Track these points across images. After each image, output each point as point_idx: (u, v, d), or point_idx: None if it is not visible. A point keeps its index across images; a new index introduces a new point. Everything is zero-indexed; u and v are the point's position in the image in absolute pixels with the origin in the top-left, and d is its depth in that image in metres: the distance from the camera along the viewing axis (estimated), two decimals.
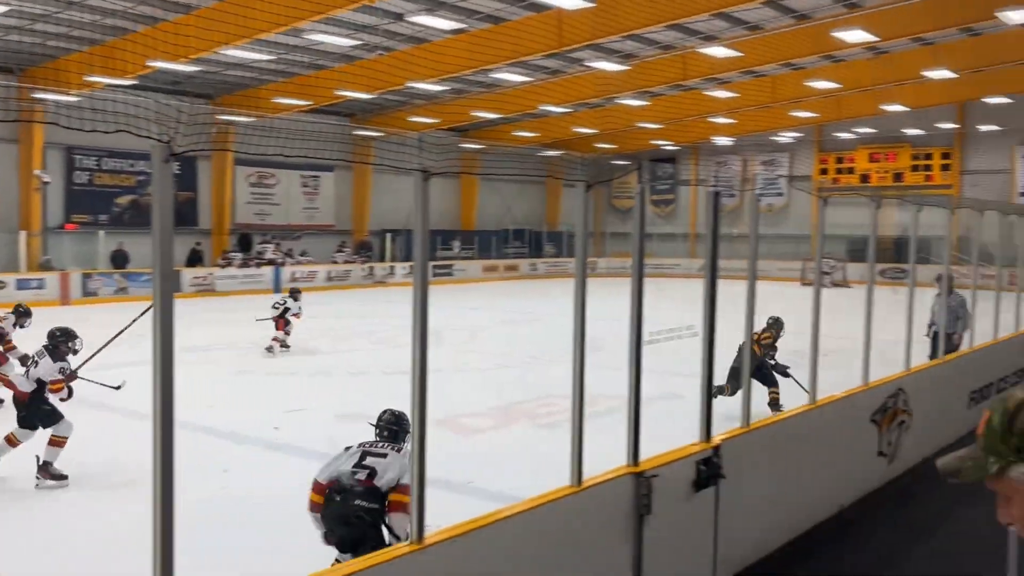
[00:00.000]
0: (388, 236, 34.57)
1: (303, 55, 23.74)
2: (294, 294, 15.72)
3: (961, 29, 22.42)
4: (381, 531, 4.73)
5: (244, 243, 30.89)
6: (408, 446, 4.81)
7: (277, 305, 15.44)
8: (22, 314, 11.44)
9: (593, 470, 4.74)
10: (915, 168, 35.40)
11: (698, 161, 40.77)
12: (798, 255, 35.05)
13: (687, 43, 23.26)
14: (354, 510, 4.70)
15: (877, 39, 20.65)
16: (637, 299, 4.86)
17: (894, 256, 30.45)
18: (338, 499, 4.78)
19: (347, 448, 5.05)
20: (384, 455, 4.92)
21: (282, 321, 15.24)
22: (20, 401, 7.88)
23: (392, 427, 5.19)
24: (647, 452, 4.99)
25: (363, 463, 4.88)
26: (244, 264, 29.28)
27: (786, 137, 37.34)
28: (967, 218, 11.64)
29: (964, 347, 10.89)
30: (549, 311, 21.60)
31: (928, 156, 35.13)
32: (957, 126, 33.85)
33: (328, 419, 10.41)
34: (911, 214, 8.60)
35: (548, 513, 4.33)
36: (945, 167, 34.77)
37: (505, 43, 19.86)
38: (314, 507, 4.83)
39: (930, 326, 11.37)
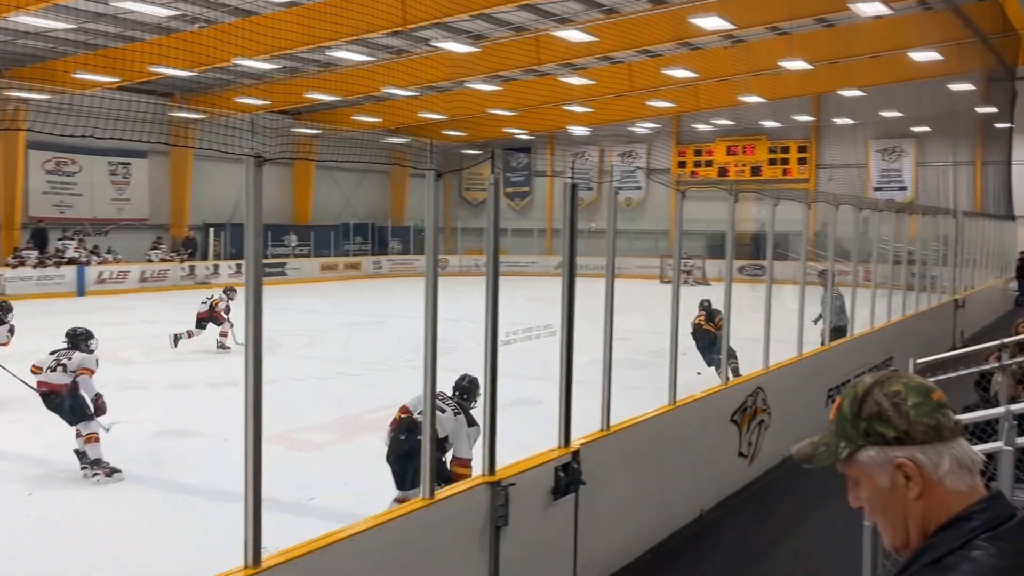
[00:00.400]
0: (211, 231, 33.43)
1: (110, 25, 22.61)
2: (228, 292, 16.64)
3: (816, 20, 23.97)
4: (445, 464, 6.14)
5: (39, 239, 29.06)
6: (465, 411, 6.28)
7: (205, 300, 16.42)
8: (6, 309, 12.15)
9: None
10: (772, 162, 37.62)
11: (554, 151, 41.66)
12: (657, 251, 36.49)
13: (541, 25, 23.73)
14: (419, 446, 5.65)
15: (734, 27, 21.77)
16: (492, 298, 4.96)
17: (752, 252, 32.22)
18: (403, 438, 6.18)
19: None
20: (443, 410, 6.21)
21: (220, 315, 16.18)
22: (57, 394, 8.57)
23: (465, 393, 6.49)
24: (503, 460, 5.10)
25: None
26: (40, 264, 27.57)
27: (644, 128, 38.74)
28: (823, 213, 12.48)
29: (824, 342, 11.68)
30: (396, 313, 21.55)
31: (785, 149, 37.43)
32: (813, 119, 36.15)
33: (146, 437, 10.00)
34: (768, 208, 9.15)
35: (398, 529, 4.36)
36: (802, 161, 37.12)
37: (344, 19, 19.61)
38: (394, 424, 6.34)
39: (819, 318, 12.40)
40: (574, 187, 5.61)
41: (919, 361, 5.31)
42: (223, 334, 16.09)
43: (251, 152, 3.72)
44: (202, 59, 22.48)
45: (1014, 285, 28.00)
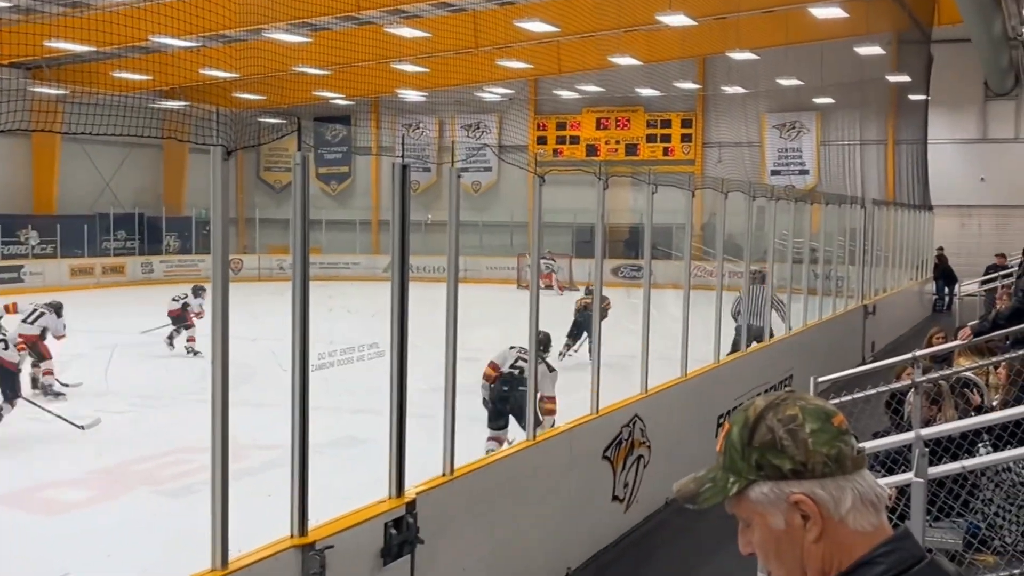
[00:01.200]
0: None
1: None
2: (197, 291, 18.88)
3: None
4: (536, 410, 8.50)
5: None
6: (545, 361, 9.92)
7: (177, 298, 19.14)
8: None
9: (245, 546, 4.75)
10: (651, 138, 38.77)
11: (380, 122, 41.51)
12: (512, 250, 36.90)
13: None
14: (519, 395, 9.59)
15: None
16: (300, 309, 4.94)
17: (628, 250, 33.11)
18: (506, 388, 9.95)
19: (511, 347, 10.26)
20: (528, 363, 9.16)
21: (191, 317, 18.83)
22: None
23: (541, 345, 9.21)
24: (319, 516, 5.08)
25: (516, 364, 9.99)
26: None
27: (494, 94, 39.09)
28: (711, 202, 12.96)
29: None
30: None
31: (666, 124, 38.65)
32: (698, 86, 37.43)
33: None
34: (646, 196, 9.45)
35: None
36: (686, 137, 38.43)
37: None
38: (488, 378, 10.18)
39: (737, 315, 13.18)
40: (406, 168, 5.64)
41: (821, 379, 5.63)
42: (191, 339, 18.65)
43: None
44: None
45: (932, 287, 29.77)
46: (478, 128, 40.84)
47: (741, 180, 15.21)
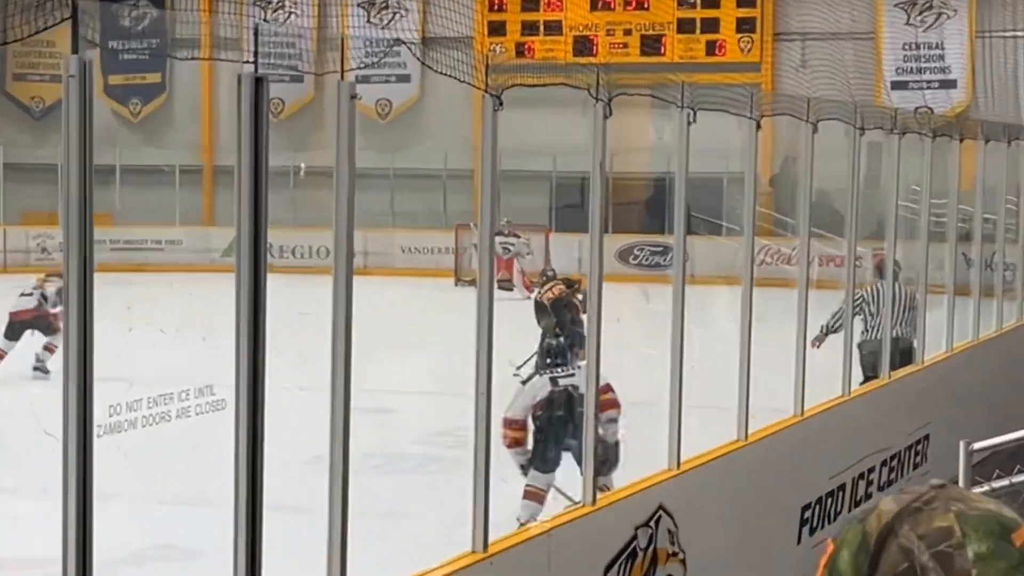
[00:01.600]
0: None
1: None
2: (52, 280, 20.02)
3: None
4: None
5: None
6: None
7: (31, 291, 20.56)
8: None
9: None
10: (685, 26, 38.58)
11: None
12: (448, 219, 36.71)
13: None
14: (578, 420, 10.63)
15: None
16: (79, 327, 4.91)
17: (648, 219, 33.05)
18: (560, 412, 11.52)
19: (524, 382, 12.37)
20: (573, 374, 11.60)
21: (52, 315, 19.98)
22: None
23: (559, 356, 12.06)
24: None
25: (559, 385, 11.61)
26: None
27: None
28: (788, 137, 12.89)
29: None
30: None
31: (712, 2, 38.45)
32: None
33: None
34: (676, 126, 9.43)
35: None
36: (745, 25, 38.28)
37: None
38: (515, 444, 11.33)
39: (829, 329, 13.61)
40: (261, 80, 5.60)
41: (979, 445, 5.61)
42: (50, 347, 19.81)
43: None
44: None
45: None
46: (387, 7, 40.65)
47: (840, 100, 15.23)
